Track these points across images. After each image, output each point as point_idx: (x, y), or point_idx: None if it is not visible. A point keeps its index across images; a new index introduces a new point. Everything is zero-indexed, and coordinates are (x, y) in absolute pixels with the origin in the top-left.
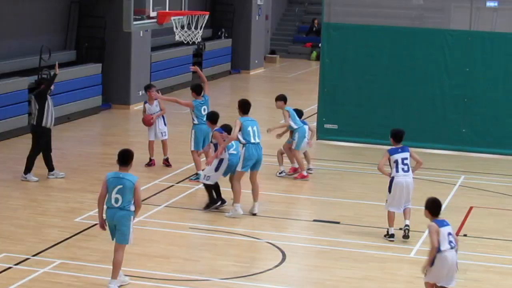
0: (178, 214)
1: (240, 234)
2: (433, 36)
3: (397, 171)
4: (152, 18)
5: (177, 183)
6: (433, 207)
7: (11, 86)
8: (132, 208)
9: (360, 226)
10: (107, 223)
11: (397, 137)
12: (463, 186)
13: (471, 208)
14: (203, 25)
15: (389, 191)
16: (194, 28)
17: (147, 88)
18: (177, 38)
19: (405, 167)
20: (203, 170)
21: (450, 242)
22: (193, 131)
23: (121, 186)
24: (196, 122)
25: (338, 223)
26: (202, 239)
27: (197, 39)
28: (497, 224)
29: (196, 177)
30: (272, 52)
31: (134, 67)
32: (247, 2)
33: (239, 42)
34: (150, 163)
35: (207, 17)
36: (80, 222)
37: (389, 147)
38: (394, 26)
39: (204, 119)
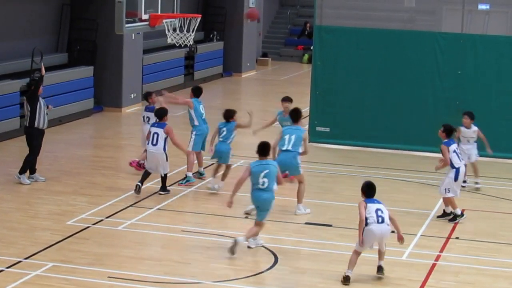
0: (170, 217)
1: (233, 237)
2: (425, 39)
3: (460, 160)
4: (144, 20)
5: (169, 185)
6: (367, 190)
7: (3, 89)
8: (276, 188)
9: (352, 229)
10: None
11: (451, 131)
12: None
13: (463, 210)
14: (195, 28)
15: (456, 179)
16: (186, 31)
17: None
18: (169, 40)
19: (461, 157)
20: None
21: (378, 216)
22: (193, 132)
23: (267, 171)
24: (196, 123)
25: (330, 226)
26: (194, 242)
27: (189, 41)
28: (489, 226)
29: (185, 180)
30: (264, 55)
31: (126, 70)
32: (239, 5)
33: (231, 45)
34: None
35: (199, 19)
36: (72, 225)
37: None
38: (386, 29)
39: (203, 117)
